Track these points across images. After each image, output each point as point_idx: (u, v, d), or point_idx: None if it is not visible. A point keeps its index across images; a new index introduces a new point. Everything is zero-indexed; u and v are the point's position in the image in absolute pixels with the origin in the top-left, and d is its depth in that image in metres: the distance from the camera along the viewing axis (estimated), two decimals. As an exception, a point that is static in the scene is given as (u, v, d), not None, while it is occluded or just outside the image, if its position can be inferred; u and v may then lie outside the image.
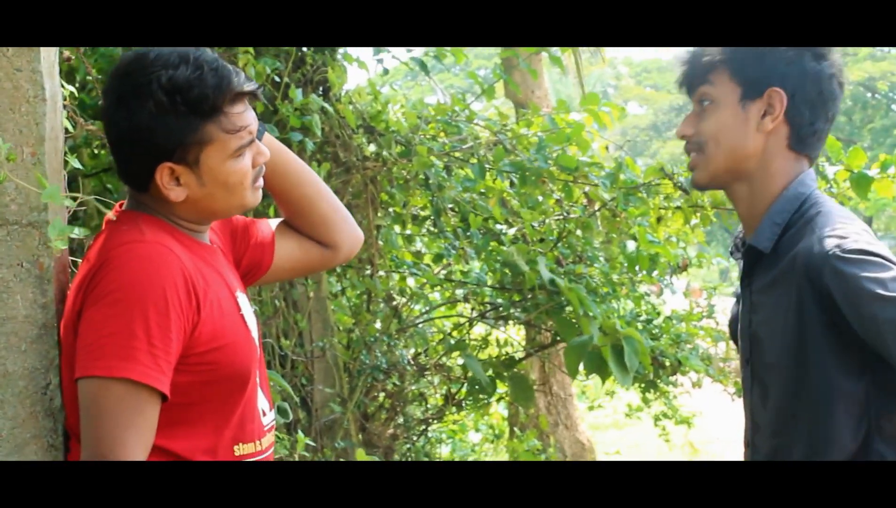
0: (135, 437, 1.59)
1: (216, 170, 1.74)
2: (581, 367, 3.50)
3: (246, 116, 1.76)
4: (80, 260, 1.81)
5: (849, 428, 1.79)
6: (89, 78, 2.96)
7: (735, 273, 2.27)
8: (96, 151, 3.68)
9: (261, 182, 1.83)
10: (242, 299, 1.84)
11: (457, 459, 6.10)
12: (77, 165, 1.91)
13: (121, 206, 1.83)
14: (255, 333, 1.84)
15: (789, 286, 1.81)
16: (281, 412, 3.21)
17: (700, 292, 6.24)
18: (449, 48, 3.74)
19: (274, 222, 2.06)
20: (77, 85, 2.93)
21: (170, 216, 1.78)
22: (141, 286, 1.61)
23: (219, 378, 1.72)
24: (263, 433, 1.84)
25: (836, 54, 1.90)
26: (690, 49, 1.95)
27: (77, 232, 1.67)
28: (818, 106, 1.88)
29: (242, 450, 1.78)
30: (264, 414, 1.86)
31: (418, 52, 4.10)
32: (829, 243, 1.74)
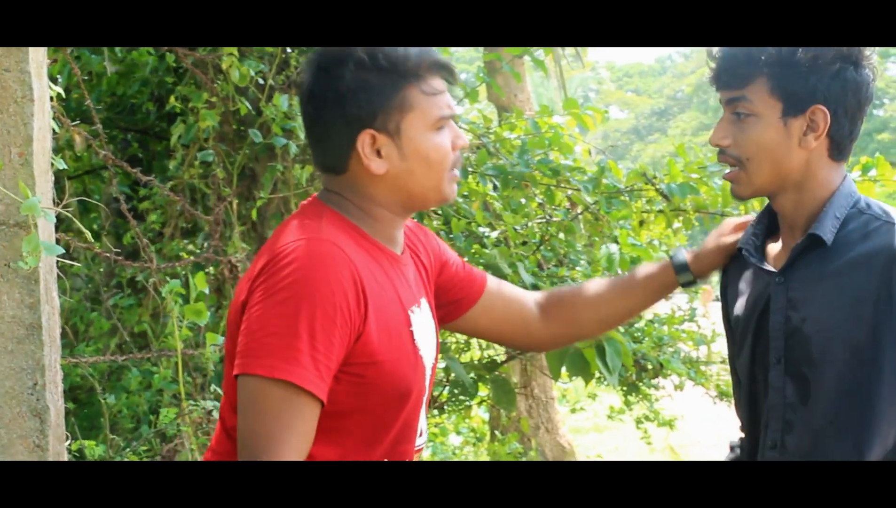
0: (293, 439, 1.54)
1: (417, 141, 1.71)
2: (564, 370, 3.50)
3: (446, 93, 1.76)
4: (66, 261, 1.81)
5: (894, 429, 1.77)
6: (74, 78, 2.96)
7: (716, 278, 2.21)
8: (79, 154, 3.67)
9: (458, 173, 1.79)
10: (417, 315, 1.77)
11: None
12: (62, 165, 1.91)
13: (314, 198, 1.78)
14: (425, 351, 1.77)
15: (860, 281, 1.77)
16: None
17: (710, 293, 6.21)
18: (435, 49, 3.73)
19: (489, 278, 2.05)
20: (62, 87, 2.93)
21: (362, 208, 1.74)
22: (310, 288, 1.56)
23: (374, 393, 1.66)
24: (413, 455, 1.78)
25: (873, 55, 1.83)
26: (725, 50, 1.86)
27: (50, 251, 1.65)
28: (857, 115, 1.84)
29: None
30: (420, 434, 1.81)
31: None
32: None
